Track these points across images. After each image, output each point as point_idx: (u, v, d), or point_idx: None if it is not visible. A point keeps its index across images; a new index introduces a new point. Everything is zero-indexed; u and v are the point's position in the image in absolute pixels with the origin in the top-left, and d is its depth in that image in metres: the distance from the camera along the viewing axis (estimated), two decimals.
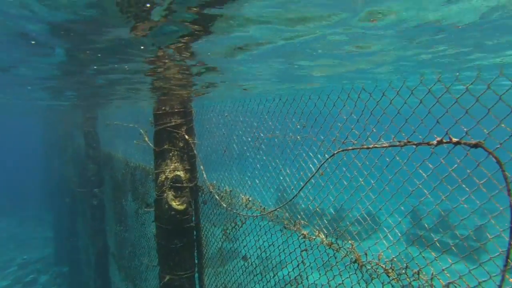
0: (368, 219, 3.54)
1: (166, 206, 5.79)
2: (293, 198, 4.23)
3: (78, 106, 13.21)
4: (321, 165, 3.71)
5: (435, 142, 2.53)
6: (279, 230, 4.57)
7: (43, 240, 26.31)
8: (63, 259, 20.20)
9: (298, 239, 4.19)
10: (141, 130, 7.24)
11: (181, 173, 6.07)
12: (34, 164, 42.85)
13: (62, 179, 20.56)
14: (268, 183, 5.00)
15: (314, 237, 4.03)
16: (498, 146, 2.12)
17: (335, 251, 3.69)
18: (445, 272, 2.64)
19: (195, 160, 6.45)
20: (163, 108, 6.05)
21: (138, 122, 7.94)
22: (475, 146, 2.25)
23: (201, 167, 6.23)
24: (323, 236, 3.95)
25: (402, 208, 2.97)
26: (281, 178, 4.63)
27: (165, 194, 5.84)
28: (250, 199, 5.26)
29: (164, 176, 5.91)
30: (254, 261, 5.07)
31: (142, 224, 7.87)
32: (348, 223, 3.97)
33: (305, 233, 4.18)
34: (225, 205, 5.59)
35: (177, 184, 5.95)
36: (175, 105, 6.12)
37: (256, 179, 5.22)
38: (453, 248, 2.48)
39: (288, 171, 4.46)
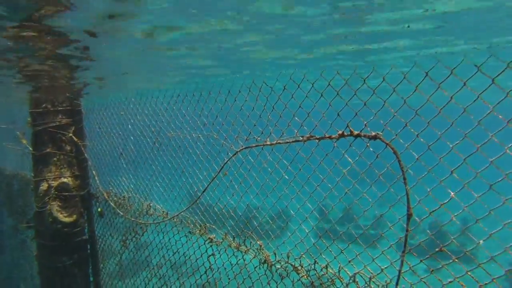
0: (277, 217, 3.45)
1: (50, 219, 4.99)
2: (196, 201, 3.95)
3: None
4: (224, 164, 3.51)
5: (337, 135, 2.50)
6: (184, 235, 4.25)
7: None
8: None
9: (204, 243, 3.93)
10: (17, 133, 6.20)
11: (69, 180, 5.30)
12: None
13: None
14: (170, 185, 4.62)
15: (221, 241, 3.81)
16: (394, 137, 2.14)
17: (243, 253, 3.52)
18: (352, 263, 2.65)
19: (87, 165, 5.71)
20: (44, 105, 5.20)
21: (14, 123, 6.80)
22: (374, 137, 2.26)
23: (94, 172, 5.54)
24: (230, 239, 3.75)
25: (309, 205, 2.92)
26: (184, 180, 4.31)
27: (49, 206, 5.03)
28: (151, 204, 4.82)
29: (46, 185, 5.08)
30: (157, 272, 4.66)
31: (22, 243, 6.74)
32: (257, 222, 3.84)
33: (211, 237, 3.93)
34: (122, 213, 5.05)
35: (64, 193, 5.18)
36: (60, 102, 5.31)
37: (157, 182, 4.80)
38: (358, 240, 2.48)
39: (190, 172, 4.16)
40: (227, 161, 3.41)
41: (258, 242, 3.46)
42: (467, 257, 2.39)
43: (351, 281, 2.63)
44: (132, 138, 5.08)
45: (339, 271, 2.75)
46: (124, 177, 5.44)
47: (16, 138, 6.13)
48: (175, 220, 4.38)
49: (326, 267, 2.83)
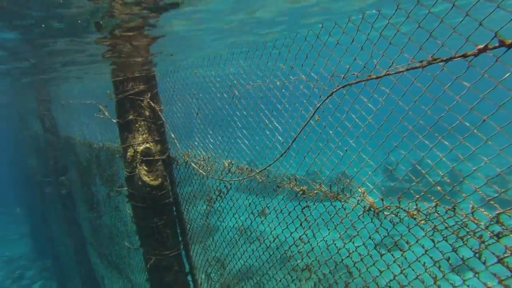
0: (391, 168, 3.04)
1: (140, 183, 5.04)
2: (286, 151, 3.65)
3: (29, 86, 11.70)
4: (318, 107, 3.12)
5: (475, 51, 1.98)
6: (273, 190, 4.01)
7: (19, 236, 25.12)
8: (44, 253, 19.51)
9: (296, 196, 3.65)
10: (100, 106, 6.32)
11: (151, 145, 5.29)
12: (2, 158, 39.27)
13: (26, 170, 19.08)
14: (252, 141, 4.36)
15: (315, 191, 3.50)
16: None
17: (342, 203, 3.19)
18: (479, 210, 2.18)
19: (164, 130, 5.67)
20: (123, 74, 5.15)
21: (96, 98, 6.97)
22: None
23: (172, 135, 5.47)
24: (326, 189, 3.43)
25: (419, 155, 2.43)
26: (268, 132, 4.01)
27: (137, 170, 5.07)
28: (233, 162, 4.63)
29: (133, 150, 5.11)
30: (247, 228, 4.52)
31: (115, 207, 7.06)
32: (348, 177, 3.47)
33: (303, 188, 3.64)
34: (205, 173, 4.94)
35: (148, 158, 5.18)
36: (136, 70, 5.24)
37: (238, 139, 4.56)
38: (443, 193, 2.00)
39: (276, 123, 3.83)
40: (322, 102, 3.03)
41: (359, 189, 3.10)
42: None
43: (492, 223, 2.18)
44: (207, 96, 4.86)
45: (472, 213, 2.31)
46: (202, 137, 5.30)
47: (99, 111, 6.26)
48: (260, 176, 4.16)
49: (454, 209, 2.39)
